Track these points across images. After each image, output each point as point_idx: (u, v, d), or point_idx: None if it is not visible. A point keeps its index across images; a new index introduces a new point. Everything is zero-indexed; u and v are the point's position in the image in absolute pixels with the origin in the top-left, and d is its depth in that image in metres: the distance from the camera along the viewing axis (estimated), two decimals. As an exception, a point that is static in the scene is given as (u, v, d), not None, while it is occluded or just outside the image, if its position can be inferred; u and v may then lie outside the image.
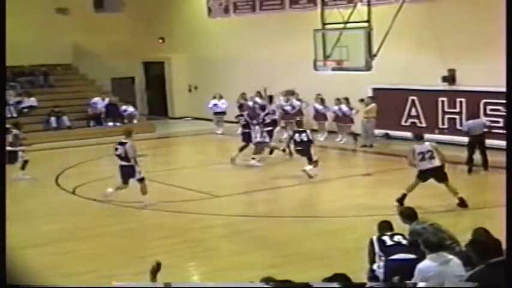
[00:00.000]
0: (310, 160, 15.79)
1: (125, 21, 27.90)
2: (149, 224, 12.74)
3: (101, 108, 25.49)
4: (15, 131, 16.78)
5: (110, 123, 25.06)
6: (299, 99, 21.84)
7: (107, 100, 25.74)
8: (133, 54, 28.32)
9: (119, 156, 13.78)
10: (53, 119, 24.31)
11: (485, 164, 16.27)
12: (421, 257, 7.15)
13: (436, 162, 12.66)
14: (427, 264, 6.85)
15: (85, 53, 27.73)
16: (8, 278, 3.40)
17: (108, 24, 27.38)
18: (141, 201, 13.66)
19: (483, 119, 17.25)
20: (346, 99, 20.29)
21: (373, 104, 19.99)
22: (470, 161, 16.29)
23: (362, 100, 20.21)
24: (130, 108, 26.16)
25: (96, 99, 25.62)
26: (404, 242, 7.91)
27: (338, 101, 20.78)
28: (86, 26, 26.93)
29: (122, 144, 13.86)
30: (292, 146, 16.50)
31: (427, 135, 19.35)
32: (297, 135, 16.27)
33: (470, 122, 16.79)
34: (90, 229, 12.21)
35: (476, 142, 16.24)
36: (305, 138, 16.15)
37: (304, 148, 15.90)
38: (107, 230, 12.17)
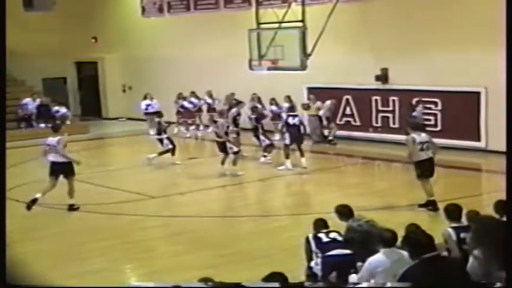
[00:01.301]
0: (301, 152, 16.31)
1: (55, 20, 27.33)
2: (84, 226, 12.49)
3: (32, 109, 24.93)
4: (157, 119, 17.98)
5: (42, 125, 24.53)
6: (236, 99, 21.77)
7: (38, 101, 25.19)
8: (65, 54, 27.76)
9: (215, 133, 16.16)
10: (-19, 121, 23.60)
11: None
12: (363, 253, 7.25)
13: (430, 154, 12.48)
14: (378, 258, 6.88)
15: (15, 53, 26.89)
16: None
17: (38, 23, 26.76)
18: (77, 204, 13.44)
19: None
20: (288, 97, 20.37)
21: (319, 102, 20.24)
22: None
23: (305, 105, 20.41)
24: (63, 109, 25.66)
25: (27, 100, 25.04)
26: (339, 238, 8.00)
27: (273, 101, 20.83)
28: (15, 25, 26.08)
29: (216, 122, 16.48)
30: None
31: (361, 134, 19.82)
32: (290, 118, 16.71)
33: (416, 113, 17.48)
34: (23, 233, 11.88)
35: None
36: (297, 122, 16.69)
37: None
38: (41, 234, 11.88)
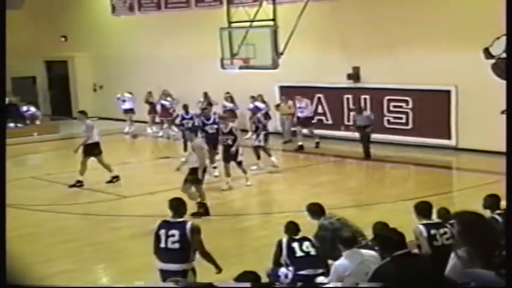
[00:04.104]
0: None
1: (24, 18, 26.98)
2: (53, 227, 12.33)
3: (-1, 109, 24.59)
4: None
5: (11, 125, 24.21)
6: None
7: (7, 100, 24.85)
8: (34, 53, 27.44)
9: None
10: (-51, 121, 23.23)
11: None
12: (335, 251, 7.24)
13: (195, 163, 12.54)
14: (343, 263, 6.88)
15: (-18, 52, 26.62)
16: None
17: (6, 21, 26.35)
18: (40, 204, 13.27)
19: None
20: (261, 96, 20.32)
21: (291, 101, 20.22)
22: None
23: (278, 105, 20.37)
24: (32, 109, 25.42)
25: (-6, 99, 24.70)
26: (312, 252, 7.91)
27: (253, 99, 20.65)
28: (-17, 24, 25.85)
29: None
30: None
31: (332, 132, 19.85)
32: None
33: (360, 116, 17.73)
34: (-9, 234, 11.70)
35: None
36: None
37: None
38: (10, 235, 11.67)
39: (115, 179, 15.43)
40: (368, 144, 17.30)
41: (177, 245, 7.36)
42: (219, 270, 7.57)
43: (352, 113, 18.11)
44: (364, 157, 17.21)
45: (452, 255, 6.20)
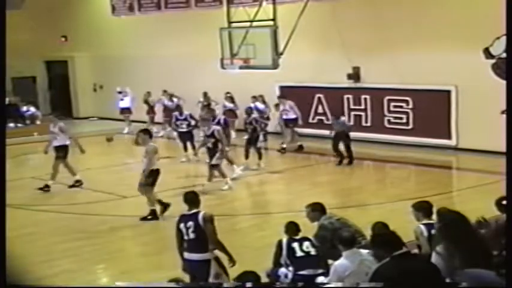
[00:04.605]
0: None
1: (24, 18, 26.96)
2: (53, 227, 12.33)
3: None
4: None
5: (11, 125, 24.24)
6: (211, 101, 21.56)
7: (7, 100, 24.86)
8: (34, 53, 27.44)
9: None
10: (-51, 121, 23.22)
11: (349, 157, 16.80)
12: (335, 251, 7.25)
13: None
14: (343, 263, 6.90)
15: (-18, 52, 26.60)
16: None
17: (7, 21, 26.35)
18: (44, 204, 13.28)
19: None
20: (261, 97, 20.33)
21: (291, 102, 20.15)
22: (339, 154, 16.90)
23: (277, 105, 20.29)
24: (32, 109, 25.46)
25: (-5, 99, 24.70)
26: (312, 252, 7.91)
27: (254, 99, 20.56)
28: (-17, 24, 25.83)
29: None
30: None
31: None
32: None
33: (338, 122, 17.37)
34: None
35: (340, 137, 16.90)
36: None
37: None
38: (10, 235, 11.66)
39: (78, 183, 15.23)
40: (349, 147, 16.95)
41: (194, 235, 7.75)
42: (233, 262, 7.82)
43: (331, 117, 17.90)
44: (348, 162, 16.73)
45: (433, 252, 6.27)
